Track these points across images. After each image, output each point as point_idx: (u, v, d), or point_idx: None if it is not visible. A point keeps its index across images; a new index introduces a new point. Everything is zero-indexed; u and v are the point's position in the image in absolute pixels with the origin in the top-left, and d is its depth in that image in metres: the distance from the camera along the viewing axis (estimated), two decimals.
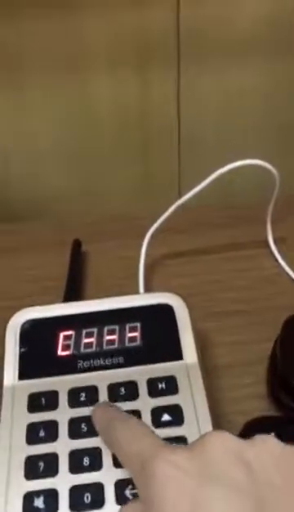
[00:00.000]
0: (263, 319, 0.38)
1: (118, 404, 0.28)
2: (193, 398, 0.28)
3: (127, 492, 0.25)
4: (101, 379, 0.29)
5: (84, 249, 0.45)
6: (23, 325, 0.31)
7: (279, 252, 0.44)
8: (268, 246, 0.44)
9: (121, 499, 0.24)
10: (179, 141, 0.55)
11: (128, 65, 0.51)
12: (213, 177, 0.39)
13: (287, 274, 0.42)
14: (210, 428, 0.27)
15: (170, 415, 0.27)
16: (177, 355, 0.30)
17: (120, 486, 0.25)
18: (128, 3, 0.46)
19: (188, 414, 0.27)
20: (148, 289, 0.39)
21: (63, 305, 0.33)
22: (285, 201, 0.43)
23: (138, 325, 0.31)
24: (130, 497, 0.24)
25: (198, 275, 0.42)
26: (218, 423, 0.29)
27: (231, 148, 0.52)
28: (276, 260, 0.43)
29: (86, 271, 0.43)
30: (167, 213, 0.40)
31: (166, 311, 0.32)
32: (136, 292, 0.39)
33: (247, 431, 0.30)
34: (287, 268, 0.42)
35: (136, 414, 0.27)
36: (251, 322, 0.38)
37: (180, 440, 0.26)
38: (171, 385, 0.29)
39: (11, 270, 0.44)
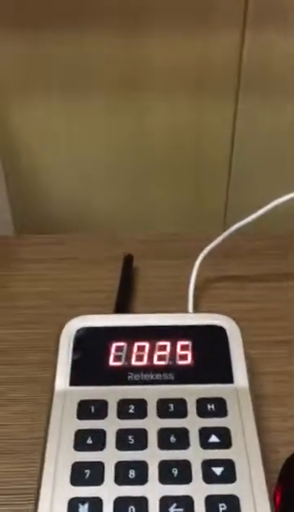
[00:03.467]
0: None
1: (167, 420, 0.28)
2: (242, 423, 0.28)
3: (171, 510, 0.25)
4: (151, 394, 0.29)
5: (135, 265, 0.45)
6: (77, 333, 0.32)
7: None
8: None
9: None
10: (230, 170, 0.56)
11: (187, 93, 0.53)
12: (270, 207, 0.40)
13: None
14: (258, 453, 0.27)
15: (218, 437, 0.27)
16: (228, 378, 0.30)
17: (165, 502, 0.25)
18: (194, 27, 0.48)
19: (236, 438, 0.27)
20: (196, 311, 0.40)
21: (116, 316, 0.33)
22: None
23: (189, 343, 0.32)
24: None
25: (246, 301, 0.42)
26: (263, 451, 0.29)
27: (281, 181, 0.52)
28: None
29: (136, 286, 0.44)
30: (221, 237, 0.41)
31: (218, 332, 0.32)
32: (185, 311, 0.39)
33: (289, 464, 0.29)
34: None
35: (184, 432, 0.28)
36: None
37: (227, 463, 0.26)
38: (220, 407, 0.29)
39: (63, 279, 0.45)
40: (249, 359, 0.35)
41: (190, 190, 0.57)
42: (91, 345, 0.32)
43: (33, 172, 0.55)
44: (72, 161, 0.54)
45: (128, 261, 0.43)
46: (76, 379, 0.30)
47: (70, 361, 0.31)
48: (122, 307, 0.38)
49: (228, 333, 0.32)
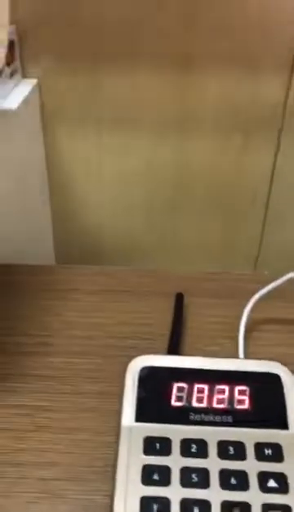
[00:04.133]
0: None
1: (227, 462, 0.30)
2: None
3: None
4: (211, 434, 0.31)
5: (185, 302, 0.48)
6: (141, 371, 0.34)
7: None
8: None
9: None
10: (266, 211, 0.58)
11: (231, 132, 0.55)
12: None
13: None
14: None
15: (275, 481, 0.29)
16: (283, 424, 0.32)
17: None
18: (243, 70, 0.50)
19: (292, 483, 0.29)
20: (247, 353, 0.41)
21: (179, 358, 0.36)
22: None
23: (247, 388, 0.34)
24: None
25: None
26: None
27: None
28: None
29: (186, 324, 0.46)
30: (279, 281, 0.42)
31: (273, 379, 0.34)
32: (235, 353, 0.41)
33: None
34: None
35: (244, 474, 0.30)
36: None
37: (286, 509, 0.28)
38: (276, 452, 0.31)
39: (114, 312, 0.47)
40: None
41: (227, 225, 0.59)
42: (154, 384, 0.34)
43: (79, 205, 0.57)
44: (115, 194, 0.57)
45: (179, 299, 0.46)
46: (141, 416, 0.32)
47: (135, 398, 0.33)
48: (175, 347, 0.40)
49: (283, 380, 0.34)
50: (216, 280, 0.51)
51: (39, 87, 0.53)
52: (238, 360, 0.36)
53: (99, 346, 0.43)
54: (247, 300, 0.44)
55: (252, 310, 0.44)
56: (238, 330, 0.43)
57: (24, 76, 0.53)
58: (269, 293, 0.44)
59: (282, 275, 0.43)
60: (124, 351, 0.41)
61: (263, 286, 0.44)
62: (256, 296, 0.43)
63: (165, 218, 0.60)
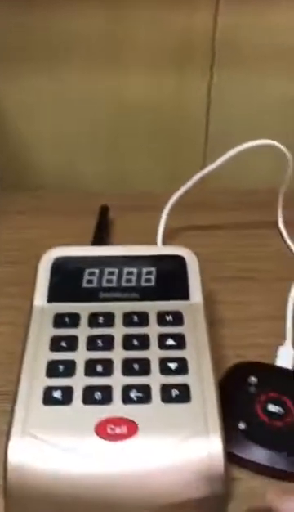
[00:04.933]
0: (266, 285, 0.42)
1: (131, 329, 0.32)
2: (195, 330, 0.32)
3: (132, 395, 0.29)
4: (118, 308, 0.34)
5: (110, 217, 0.50)
6: (55, 260, 0.36)
7: (288, 233, 0.48)
8: (277, 227, 0.48)
9: (127, 400, 0.29)
10: (206, 135, 0.59)
11: (165, 64, 0.56)
12: (229, 156, 0.43)
13: (292, 252, 0.46)
14: (207, 353, 0.31)
15: (174, 340, 0.32)
16: (185, 296, 0.35)
17: (127, 389, 0.29)
18: (172, 5, 0.51)
19: (190, 340, 0.32)
20: None
21: (90, 248, 0.38)
22: None
23: (153, 269, 0.36)
24: (135, 399, 0.29)
25: (211, 246, 0.47)
26: (215, 357, 0.33)
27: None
28: (284, 240, 0.48)
29: (111, 235, 0.48)
30: (183, 188, 0.45)
31: (179, 261, 0.37)
32: None
33: (234, 370, 0.34)
34: (292, 246, 0.46)
35: (145, 338, 0.32)
36: (254, 287, 0.43)
37: (181, 360, 0.31)
38: (177, 318, 0.33)
39: (43, 229, 0.49)
40: (211, 292, 0.40)
41: (169, 151, 0.60)
42: (66, 271, 0.36)
43: (19, 135, 0.58)
44: (56, 126, 0.58)
45: (104, 210, 0.47)
46: (53, 297, 0.34)
47: (48, 282, 0.35)
48: (98, 243, 0.42)
49: (187, 261, 0.36)
50: (141, 198, 0.53)
51: None
52: (147, 246, 0.38)
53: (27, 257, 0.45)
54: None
55: (171, 219, 0.46)
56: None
57: None
58: (186, 202, 0.46)
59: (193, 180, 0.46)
60: None
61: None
62: (170, 203, 0.45)
63: (105, 147, 0.61)
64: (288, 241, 0.47)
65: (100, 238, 0.43)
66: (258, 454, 0.29)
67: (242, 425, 0.30)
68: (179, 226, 0.48)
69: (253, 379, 0.33)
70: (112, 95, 0.56)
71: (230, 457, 0.29)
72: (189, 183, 0.44)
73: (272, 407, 0.31)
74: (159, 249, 0.38)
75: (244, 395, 0.32)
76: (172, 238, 0.47)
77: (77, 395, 0.29)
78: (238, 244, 0.48)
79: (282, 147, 0.41)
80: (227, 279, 0.44)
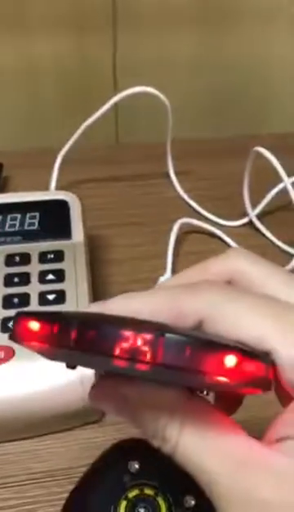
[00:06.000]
0: (154, 229, 0.45)
1: (12, 268, 0.34)
2: (75, 265, 0.34)
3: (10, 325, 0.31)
4: (1, 252, 0.35)
5: (5, 175, 0.50)
6: None
7: (178, 181, 0.50)
8: (169, 177, 0.51)
9: (5, 329, 0.30)
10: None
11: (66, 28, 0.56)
12: (110, 104, 0.45)
13: (182, 198, 0.49)
14: (85, 284, 0.33)
15: (54, 275, 0.33)
16: (67, 236, 0.36)
17: (5, 321, 0.31)
18: None
19: (69, 275, 0.33)
20: None
21: None
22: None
23: (37, 214, 0.37)
24: None
25: (107, 196, 0.49)
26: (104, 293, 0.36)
27: None
28: (175, 189, 0.50)
29: (5, 191, 0.49)
30: (72, 139, 0.46)
31: (62, 205, 0.38)
32: None
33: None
34: (181, 193, 0.49)
35: (26, 276, 0.34)
36: (144, 230, 0.45)
37: (59, 292, 0.32)
38: (58, 256, 0.35)
39: None
40: (104, 236, 0.42)
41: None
42: None
43: None
44: None
45: None
46: None
47: None
48: None
49: (69, 204, 0.38)
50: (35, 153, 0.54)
51: None
52: (31, 192, 0.39)
53: None
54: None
55: (66, 172, 0.47)
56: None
57: None
58: (81, 156, 0.48)
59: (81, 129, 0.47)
60: None
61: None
62: (61, 154, 0.46)
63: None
64: (178, 187, 0.50)
65: None
66: None
67: None
68: (74, 179, 0.49)
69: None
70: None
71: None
72: (77, 134, 0.45)
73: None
74: (43, 195, 0.39)
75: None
76: (67, 190, 0.48)
77: None
78: (131, 193, 0.50)
79: (160, 94, 0.43)
80: (119, 225, 0.46)
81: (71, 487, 0.26)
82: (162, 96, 0.43)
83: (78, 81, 0.59)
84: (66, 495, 0.26)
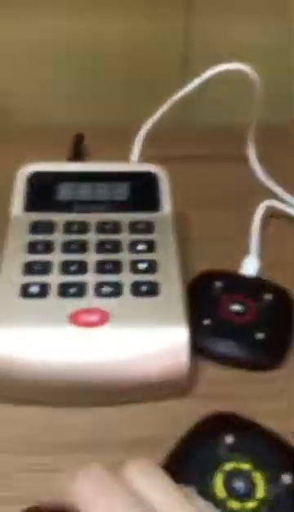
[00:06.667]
0: (236, 211, 0.44)
1: (102, 236, 0.34)
2: (165, 237, 0.34)
3: (104, 289, 0.31)
4: (92, 218, 0.35)
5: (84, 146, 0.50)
6: (31, 174, 0.38)
7: (260, 164, 0.50)
8: (251, 159, 0.50)
9: (99, 293, 0.31)
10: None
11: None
12: (198, 82, 0.43)
13: (262, 182, 0.48)
14: (175, 256, 0.33)
15: (145, 245, 0.34)
16: (156, 208, 0.36)
17: (99, 285, 0.31)
18: None
19: (159, 246, 0.34)
20: None
21: (65, 164, 0.39)
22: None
23: (126, 185, 0.38)
24: (107, 293, 0.31)
25: (187, 175, 0.47)
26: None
27: None
28: (254, 172, 0.49)
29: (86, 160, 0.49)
30: (157, 114, 0.45)
31: (151, 177, 0.38)
32: None
33: (200, 277, 0.36)
34: (262, 178, 0.48)
35: (117, 243, 0.34)
36: (226, 212, 0.44)
37: (151, 262, 0.33)
38: (148, 227, 0.35)
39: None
40: (184, 213, 0.42)
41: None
42: (42, 184, 0.37)
43: None
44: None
45: (79, 139, 0.48)
46: (30, 207, 0.36)
47: (25, 194, 0.36)
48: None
49: (158, 176, 0.38)
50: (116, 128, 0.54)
51: None
52: (120, 163, 0.39)
53: None
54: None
55: (148, 148, 0.47)
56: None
57: None
58: (162, 135, 0.47)
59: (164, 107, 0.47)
60: None
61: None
62: (145, 129, 0.46)
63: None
64: (259, 171, 0.49)
65: (75, 158, 0.45)
66: (220, 345, 0.32)
67: (206, 321, 0.33)
68: (154, 155, 0.49)
69: (218, 284, 0.35)
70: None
71: (195, 350, 0.32)
72: (159, 113, 0.45)
73: (235, 307, 0.34)
74: (132, 166, 0.39)
75: (209, 297, 0.34)
76: None
77: (53, 290, 0.31)
78: (212, 173, 0.49)
79: (254, 73, 0.42)
80: (199, 205, 0.45)
81: (159, 457, 0.26)
82: (255, 75, 0.42)
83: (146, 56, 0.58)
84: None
